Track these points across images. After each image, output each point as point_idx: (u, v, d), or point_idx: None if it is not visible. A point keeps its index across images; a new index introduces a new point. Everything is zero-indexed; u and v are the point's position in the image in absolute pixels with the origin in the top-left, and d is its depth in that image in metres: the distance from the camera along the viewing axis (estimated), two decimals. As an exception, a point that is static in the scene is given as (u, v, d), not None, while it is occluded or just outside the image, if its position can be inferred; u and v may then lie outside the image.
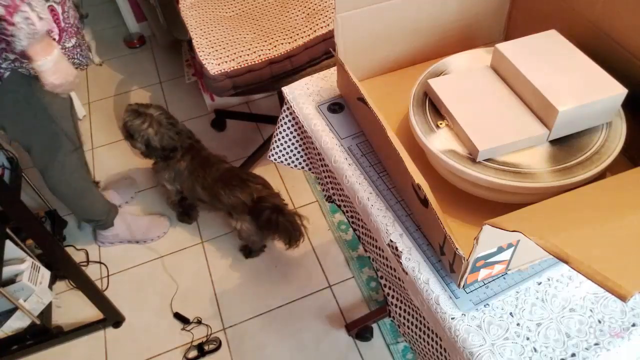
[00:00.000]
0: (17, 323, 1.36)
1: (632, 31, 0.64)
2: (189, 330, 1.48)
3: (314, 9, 1.55)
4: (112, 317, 1.50)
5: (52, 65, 1.01)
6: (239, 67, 1.40)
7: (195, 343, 1.45)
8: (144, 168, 1.96)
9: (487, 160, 0.63)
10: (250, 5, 1.65)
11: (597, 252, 0.42)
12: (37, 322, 1.37)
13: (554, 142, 0.64)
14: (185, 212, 1.73)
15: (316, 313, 1.48)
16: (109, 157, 2.03)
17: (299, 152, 0.94)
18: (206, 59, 1.40)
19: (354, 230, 0.79)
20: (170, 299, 1.56)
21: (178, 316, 1.52)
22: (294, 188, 1.83)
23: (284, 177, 1.87)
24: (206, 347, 1.43)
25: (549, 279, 0.60)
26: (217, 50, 1.43)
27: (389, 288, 0.73)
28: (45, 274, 1.43)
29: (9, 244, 1.35)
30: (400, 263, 0.63)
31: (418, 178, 0.57)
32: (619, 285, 0.38)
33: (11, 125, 1.22)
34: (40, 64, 1.00)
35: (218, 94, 1.44)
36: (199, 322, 1.49)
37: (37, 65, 1.00)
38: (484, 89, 0.69)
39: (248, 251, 1.62)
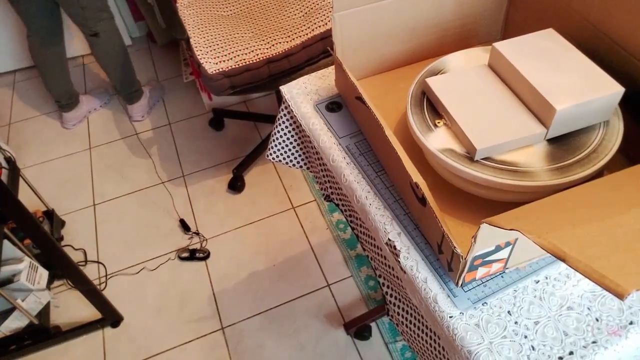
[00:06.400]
0: (15, 323, 1.36)
1: (630, 30, 0.65)
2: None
3: (311, 8, 1.55)
4: (110, 317, 1.50)
5: None
6: (237, 66, 1.40)
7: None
8: (140, 166, 1.96)
9: (485, 159, 0.63)
10: (248, 4, 1.65)
11: (595, 250, 0.42)
12: (35, 322, 1.37)
13: (552, 141, 0.64)
14: None
15: (314, 312, 1.48)
16: (108, 155, 2.03)
17: (297, 151, 0.94)
18: (204, 57, 1.40)
19: (352, 229, 0.79)
20: (168, 298, 1.56)
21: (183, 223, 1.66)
22: (293, 187, 1.83)
23: (282, 176, 1.87)
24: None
25: (546, 277, 0.60)
26: (214, 49, 1.43)
27: (387, 287, 0.73)
28: (43, 273, 1.43)
29: (6, 243, 1.35)
30: (399, 262, 0.63)
31: (416, 177, 0.57)
32: (616, 283, 0.38)
33: None
34: None
35: (216, 93, 1.44)
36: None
37: None
38: (482, 87, 0.69)
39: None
